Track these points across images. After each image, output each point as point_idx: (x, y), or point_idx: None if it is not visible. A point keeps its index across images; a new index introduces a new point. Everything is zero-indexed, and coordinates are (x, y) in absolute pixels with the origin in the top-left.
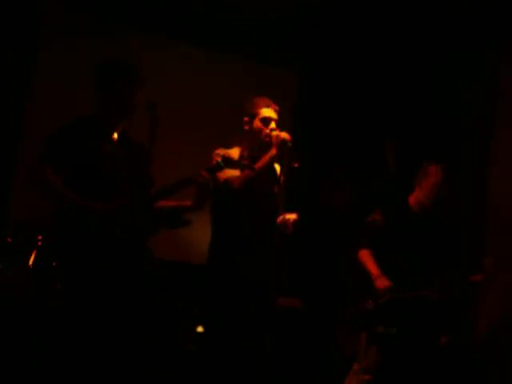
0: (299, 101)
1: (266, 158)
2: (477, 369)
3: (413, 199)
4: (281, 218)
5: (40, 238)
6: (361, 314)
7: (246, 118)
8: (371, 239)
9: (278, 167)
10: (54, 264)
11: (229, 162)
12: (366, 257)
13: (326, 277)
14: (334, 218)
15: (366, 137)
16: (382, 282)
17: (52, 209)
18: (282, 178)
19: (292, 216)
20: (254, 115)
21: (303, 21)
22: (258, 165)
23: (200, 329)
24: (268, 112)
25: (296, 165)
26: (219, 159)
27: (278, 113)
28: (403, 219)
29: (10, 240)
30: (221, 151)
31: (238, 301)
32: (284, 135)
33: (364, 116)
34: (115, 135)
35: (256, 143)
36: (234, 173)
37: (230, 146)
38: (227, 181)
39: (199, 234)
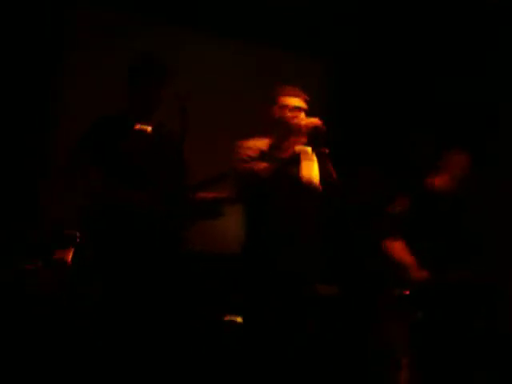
0: (328, 91)
1: (294, 147)
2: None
3: (436, 183)
4: None
5: (78, 235)
6: (398, 302)
7: (275, 107)
8: (399, 228)
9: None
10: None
11: (263, 156)
12: (398, 248)
13: (363, 263)
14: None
15: (395, 128)
16: (419, 274)
17: (91, 204)
18: (330, 171)
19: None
20: (282, 105)
21: (332, 10)
22: (285, 154)
23: (239, 319)
24: (297, 102)
25: (326, 151)
26: (252, 153)
27: (308, 102)
28: (428, 203)
29: (48, 238)
30: (249, 143)
31: (276, 290)
32: (314, 121)
33: (393, 107)
34: (149, 129)
35: (285, 132)
36: (263, 164)
37: (258, 137)
38: (255, 172)
39: (233, 225)
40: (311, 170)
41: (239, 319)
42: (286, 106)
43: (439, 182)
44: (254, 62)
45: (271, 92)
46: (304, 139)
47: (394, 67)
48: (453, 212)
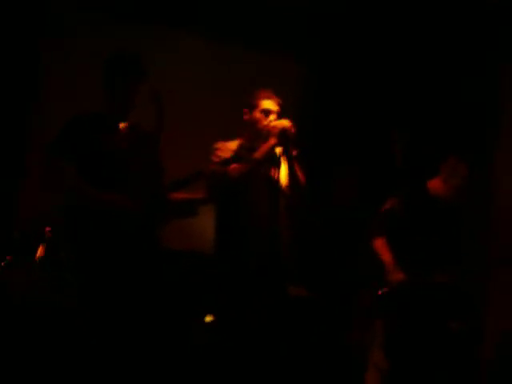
0: (306, 92)
1: (264, 148)
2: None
3: (432, 187)
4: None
5: (48, 229)
6: (373, 302)
7: (245, 109)
8: (387, 227)
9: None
10: (62, 256)
11: (234, 157)
12: (381, 246)
13: (337, 264)
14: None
15: (373, 128)
16: (395, 275)
17: (66, 202)
18: (297, 175)
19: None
20: (253, 106)
21: (314, 10)
22: (255, 155)
23: (209, 318)
24: (268, 104)
25: (294, 153)
26: (224, 154)
27: (280, 105)
28: (421, 204)
29: (17, 234)
30: (220, 144)
31: (247, 290)
32: (283, 123)
33: (371, 107)
34: (124, 128)
35: (255, 134)
36: (234, 164)
37: (230, 139)
38: (225, 172)
39: (205, 223)
40: (282, 172)
41: (209, 318)
42: (256, 108)
43: (434, 186)
44: (232, 63)
45: (246, 93)
46: (273, 141)
47: (375, 67)
48: (441, 218)
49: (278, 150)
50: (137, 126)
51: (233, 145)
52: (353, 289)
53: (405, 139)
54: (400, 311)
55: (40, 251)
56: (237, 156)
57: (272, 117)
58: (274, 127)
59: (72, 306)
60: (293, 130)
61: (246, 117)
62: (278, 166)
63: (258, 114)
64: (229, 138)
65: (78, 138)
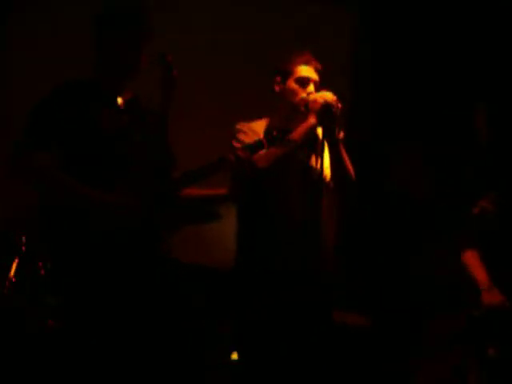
0: (358, 50)
1: (301, 129)
2: None
3: None
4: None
5: (24, 241)
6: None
7: (277, 77)
8: (479, 235)
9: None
10: (42, 273)
11: (267, 141)
12: (472, 259)
13: (396, 283)
14: (405, 209)
15: (446, 99)
16: (491, 296)
17: (44, 204)
18: (344, 163)
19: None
20: (287, 74)
21: None
22: (291, 138)
23: (235, 355)
24: (306, 71)
25: (341, 135)
26: (252, 138)
27: (320, 73)
28: None
29: None
30: (243, 125)
31: (282, 317)
32: (325, 97)
33: (443, 71)
34: (120, 101)
35: (289, 110)
36: (263, 151)
37: (257, 117)
38: (252, 161)
39: (231, 230)
40: (325, 160)
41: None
42: (290, 76)
43: None
44: (264, 16)
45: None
46: (313, 120)
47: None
48: None
49: (320, 131)
50: (138, 100)
51: (260, 125)
52: (418, 310)
53: (494, 114)
54: (494, 342)
55: (13, 268)
56: (266, 140)
57: (311, 87)
58: (314, 101)
59: (55, 334)
60: (339, 106)
61: (277, 87)
62: (320, 153)
63: (293, 84)
64: (255, 115)
65: (56, 119)
